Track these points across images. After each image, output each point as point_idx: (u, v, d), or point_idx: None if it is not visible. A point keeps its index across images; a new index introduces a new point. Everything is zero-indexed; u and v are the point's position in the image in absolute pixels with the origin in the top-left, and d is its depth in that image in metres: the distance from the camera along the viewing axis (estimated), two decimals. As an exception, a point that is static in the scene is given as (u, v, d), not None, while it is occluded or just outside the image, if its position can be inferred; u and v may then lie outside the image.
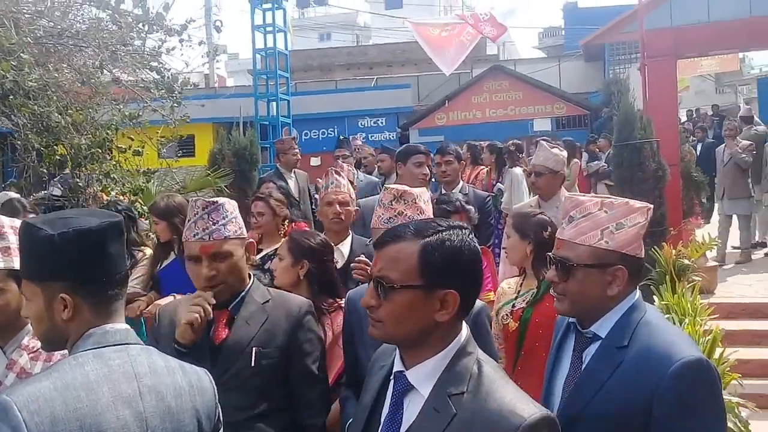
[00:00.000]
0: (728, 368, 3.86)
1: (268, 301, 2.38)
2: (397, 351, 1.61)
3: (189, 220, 2.33)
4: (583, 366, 1.84)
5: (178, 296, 3.73)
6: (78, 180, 5.35)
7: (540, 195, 4.12)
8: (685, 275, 5.75)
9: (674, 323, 4.48)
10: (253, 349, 2.28)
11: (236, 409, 2.19)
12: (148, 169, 6.12)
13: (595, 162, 10.19)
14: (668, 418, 1.66)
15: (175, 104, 5.79)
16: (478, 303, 2.27)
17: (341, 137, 7.46)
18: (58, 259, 1.52)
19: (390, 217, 2.41)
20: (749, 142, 9.09)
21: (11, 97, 4.93)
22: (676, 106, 8.02)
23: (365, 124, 18.23)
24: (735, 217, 8.89)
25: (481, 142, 8.79)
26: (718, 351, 4.85)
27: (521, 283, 3.12)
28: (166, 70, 6.09)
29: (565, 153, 4.13)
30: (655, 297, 5.30)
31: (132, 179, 5.83)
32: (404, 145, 4.56)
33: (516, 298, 3.08)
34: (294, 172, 6.81)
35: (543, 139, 6.01)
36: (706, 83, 31.79)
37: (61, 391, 1.41)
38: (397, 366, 1.59)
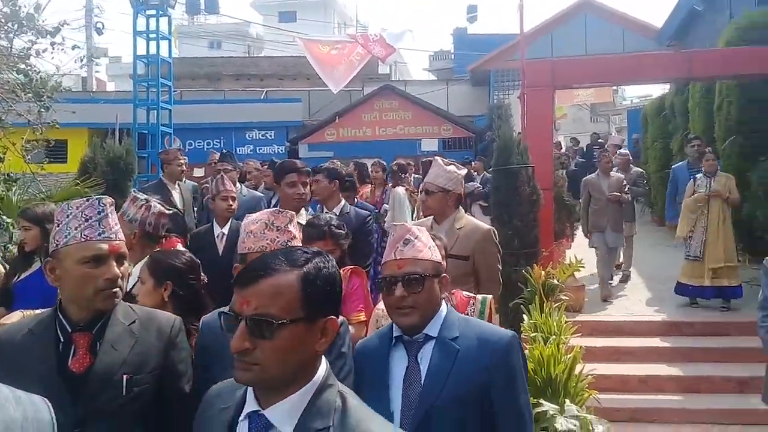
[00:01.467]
0: (586, 385, 4.05)
1: (134, 322, 2.20)
2: (250, 391, 1.51)
3: (87, 219, 2.13)
4: (422, 365, 2.09)
5: (27, 312, 3.47)
6: (-73, 186, 4.89)
7: (433, 216, 3.79)
8: (553, 295, 6.01)
9: (540, 341, 4.68)
10: (124, 376, 2.11)
11: None
12: (8, 175, 5.68)
13: (470, 183, 10.59)
14: (505, 382, 2.07)
15: (43, 109, 5.42)
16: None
17: (224, 151, 7.28)
18: None
19: (263, 245, 2.37)
20: (641, 170, 9.50)
21: None
22: (552, 134, 8.45)
23: (253, 137, 17.99)
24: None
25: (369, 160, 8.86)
26: (578, 368, 5.12)
27: None
28: (35, 72, 5.70)
29: (462, 171, 3.79)
30: (525, 316, 5.49)
31: (-9, 184, 5.40)
32: (280, 162, 4.34)
33: None
34: (179, 183, 6.62)
35: (460, 160, 5.87)
36: (582, 112, 33.68)
37: None
38: (251, 406, 1.50)
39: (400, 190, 7.61)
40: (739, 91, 8.80)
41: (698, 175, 7.91)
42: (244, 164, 8.08)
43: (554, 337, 4.75)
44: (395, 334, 2.17)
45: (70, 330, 2.13)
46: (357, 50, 8.65)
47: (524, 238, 7.22)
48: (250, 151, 17.34)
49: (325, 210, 4.45)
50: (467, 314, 3.01)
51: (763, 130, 8.52)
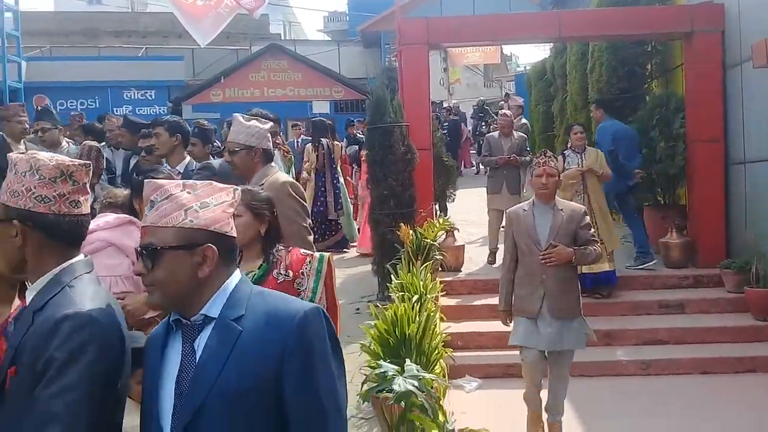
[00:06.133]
0: (441, 343, 4.00)
1: None
2: None
3: None
4: (198, 353, 1.73)
5: None
6: None
7: (239, 175, 3.56)
8: (424, 254, 5.96)
9: (405, 300, 4.58)
10: None
11: None
12: None
13: (349, 147, 10.58)
14: (300, 369, 1.69)
15: None
16: None
17: (39, 108, 6.68)
18: None
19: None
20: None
21: None
22: (428, 92, 8.31)
23: (132, 96, 17.03)
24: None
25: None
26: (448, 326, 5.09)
27: None
28: None
29: (266, 125, 3.56)
30: (392, 276, 5.42)
31: None
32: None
33: None
34: (24, 142, 6.12)
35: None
36: (476, 77, 34.25)
37: None
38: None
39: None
40: (608, 53, 9.01)
41: (566, 152, 7.48)
42: (106, 120, 7.53)
43: (418, 296, 4.69)
44: (172, 317, 1.80)
45: None
46: (225, 1, 8.20)
47: (399, 198, 7.13)
48: (129, 111, 16.39)
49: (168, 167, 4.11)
50: (302, 274, 2.86)
51: (632, 91, 8.79)
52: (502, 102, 20.26)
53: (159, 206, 1.74)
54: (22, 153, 1.94)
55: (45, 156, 1.90)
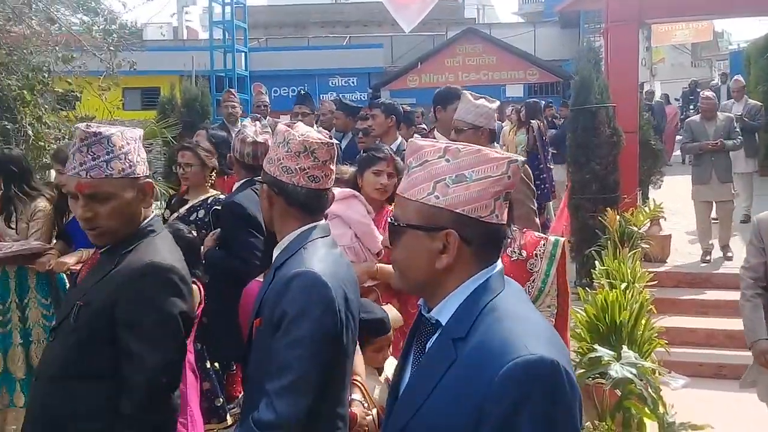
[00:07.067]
0: (655, 334, 3.83)
1: (129, 251, 2.02)
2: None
3: (70, 150, 2.05)
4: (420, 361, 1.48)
5: (87, 251, 3.61)
6: (6, 123, 5.07)
7: None
8: (630, 242, 5.72)
9: (612, 287, 4.43)
10: (78, 303, 1.98)
11: (44, 363, 2.11)
12: (85, 116, 5.86)
13: (550, 130, 10.31)
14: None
15: (111, 48, 5.54)
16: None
17: (302, 91, 7.21)
18: None
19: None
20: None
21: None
22: (637, 72, 7.85)
23: (336, 83, 18.00)
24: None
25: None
26: (654, 320, 4.84)
27: None
28: (110, 12, 5.83)
29: (494, 105, 3.45)
30: (597, 262, 5.26)
31: (69, 125, 5.58)
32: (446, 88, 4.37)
33: None
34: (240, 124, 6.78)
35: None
36: (683, 56, 31.67)
37: None
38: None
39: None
40: None
41: None
42: (320, 105, 8.04)
43: (626, 284, 4.52)
44: (420, 302, 1.51)
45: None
46: (430, -12, 8.37)
47: (603, 183, 6.87)
48: (333, 99, 17.41)
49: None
50: (535, 255, 2.81)
51: None
52: (715, 82, 18.60)
53: (412, 173, 1.44)
54: (284, 124, 2.16)
55: (298, 131, 2.06)
